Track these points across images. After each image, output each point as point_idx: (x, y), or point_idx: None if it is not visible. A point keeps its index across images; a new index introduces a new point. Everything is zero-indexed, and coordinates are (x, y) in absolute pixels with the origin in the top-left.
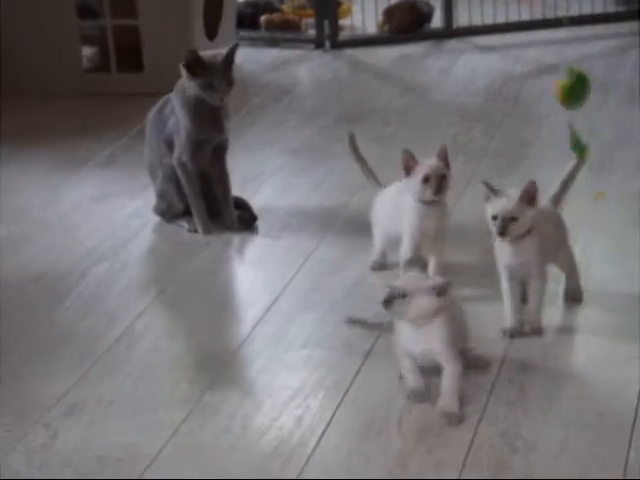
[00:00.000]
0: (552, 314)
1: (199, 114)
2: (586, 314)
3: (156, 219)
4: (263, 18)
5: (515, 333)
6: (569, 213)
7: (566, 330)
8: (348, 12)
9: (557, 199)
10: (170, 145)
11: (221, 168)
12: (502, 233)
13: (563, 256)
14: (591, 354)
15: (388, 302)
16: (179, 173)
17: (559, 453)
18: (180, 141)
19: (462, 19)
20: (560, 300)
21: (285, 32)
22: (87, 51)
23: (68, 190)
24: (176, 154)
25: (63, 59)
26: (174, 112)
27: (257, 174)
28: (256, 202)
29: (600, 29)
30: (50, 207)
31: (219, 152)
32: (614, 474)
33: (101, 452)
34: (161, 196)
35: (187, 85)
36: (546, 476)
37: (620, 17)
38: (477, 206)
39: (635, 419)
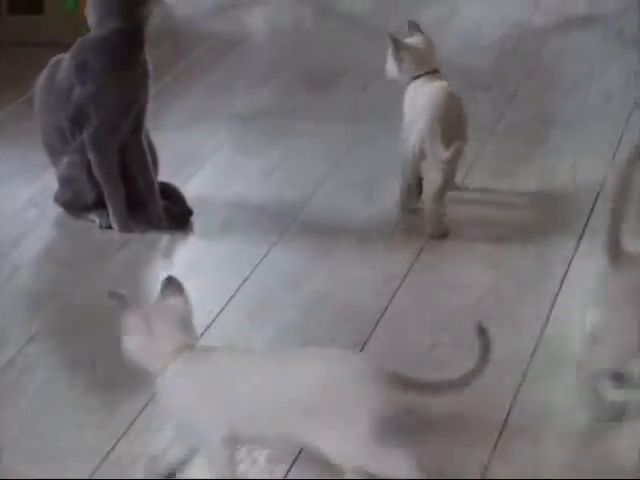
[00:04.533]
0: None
1: (120, 66)
2: None
3: (58, 210)
4: None
5: None
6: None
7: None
8: None
9: None
10: (76, 122)
11: (139, 143)
12: None
13: None
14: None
15: None
16: (93, 155)
17: None
18: (97, 113)
19: None
20: None
21: None
22: None
23: None
24: (91, 132)
25: None
26: (77, 78)
27: (193, 153)
28: (191, 190)
29: None
30: None
31: (137, 121)
32: None
33: None
34: (66, 183)
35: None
36: None
37: None
38: (479, 204)
39: None
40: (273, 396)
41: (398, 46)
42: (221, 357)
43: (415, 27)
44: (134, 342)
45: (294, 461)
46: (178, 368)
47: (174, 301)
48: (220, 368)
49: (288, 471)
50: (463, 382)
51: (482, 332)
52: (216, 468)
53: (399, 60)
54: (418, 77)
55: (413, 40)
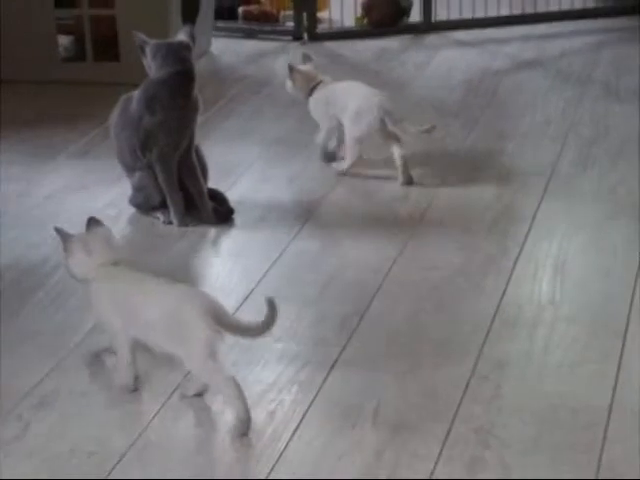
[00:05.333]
0: (528, 304)
1: (179, 100)
2: (563, 310)
3: (131, 210)
4: (241, 9)
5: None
6: (548, 211)
7: (542, 325)
8: (326, 4)
9: None
10: (145, 144)
11: (190, 159)
12: None
13: None
14: (567, 350)
15: None
16: (160, 170)
17: (533, 450)
18: (163, 136)
19: (441, 13)
20: None
21: (263, 24)
22: (63, 40)
23: (42, 180)
24: (158, 151)
25: (39, 48)
26: (147, 109)
27: (234, 166)
28: (233, 194)
29: (578, 25)
30: (23, 198)
31: (189, 142)
32: (587, 470)
33: (72, 445)
34: (138, 190)
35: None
36: (519, 472)
37: (598, 13)
38: (453, 201)
39: (609, 417)
40: (146, 313)
41: (291, 70)
42: (125, 275)
43: (308, 58)
44: (74, 261)
45: (312, 402)
46: (99, 280)
47: (99, 231)
48: (122, 284)
49: (307, 410)
50: (258, 331)
51: (271, 304)
52: (121, 360)
53: (293, 79)
54: (314, 88)
55: (304, 67)
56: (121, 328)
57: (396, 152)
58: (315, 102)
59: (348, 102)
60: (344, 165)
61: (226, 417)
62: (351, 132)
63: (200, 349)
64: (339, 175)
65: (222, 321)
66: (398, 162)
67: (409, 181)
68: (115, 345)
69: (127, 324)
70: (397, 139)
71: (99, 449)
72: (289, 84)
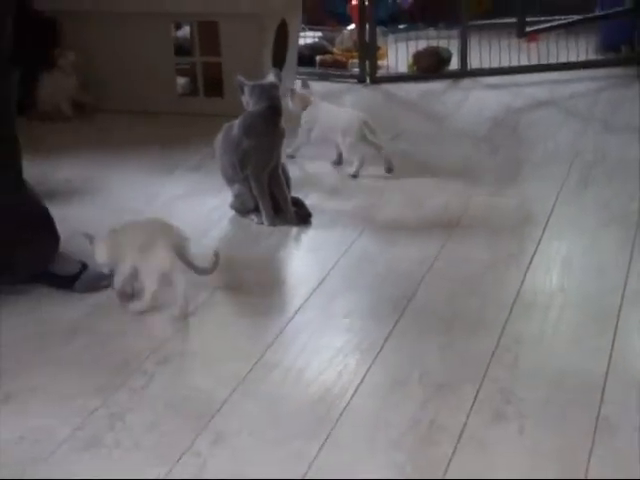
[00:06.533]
0: (542, 292)
1: (270, 128)
2: (570, 297)
3: (232, 213)
4: (318, 58)
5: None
6: (558, 219)
7: (553, 309)
8: (385, 55)
9: None
10: (243, 162)
11: (277, 174)
12: None
13: None
14: (572, 328)
15: None
16: (254, 182)
17: (544, 406)
18: (256, 156)
19: (474, 62)
20: None
21: (335, 69)
22: (181, 81)
23: (164, 188)
24: (252, 168)
25: (163, 86)
26: (246, 134)
27: (311, 179)
28: (310, 201)
29: (582, 73)
30: (148, 202)
31: (277, 161)
32: (588, 423)
33: (186, 393)
34: (237, 197)
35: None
36: (534, 423)
37: (598, 64)
38: (482, 210)
39: (605, 381)
40: (134, 240)
41: (292, 94)
42: (127, 227)
43: (306, 84)
44: (99, 250)
45: (371, 365)
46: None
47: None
48: (125, 232)
49: (367, 371)
50: (205, 272)
51: (216, 255)
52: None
53: (292, 100)
54: (305, 107)
55: (302, 91)
56: (127, 262)
57: (380, 152)
58: (304, 118)
59: (336, 121)
60: (353, 169)
61: (306, 375)
62: (344, 143)
63: (154, 268)
64: (351, 178)
65: (182, 256)
66: (384, 158)
67: (390, 169)
68: (119, 272)
69: (129, 255)
70: (378, 146)
71: (206, 397)
72: (290, 104)
